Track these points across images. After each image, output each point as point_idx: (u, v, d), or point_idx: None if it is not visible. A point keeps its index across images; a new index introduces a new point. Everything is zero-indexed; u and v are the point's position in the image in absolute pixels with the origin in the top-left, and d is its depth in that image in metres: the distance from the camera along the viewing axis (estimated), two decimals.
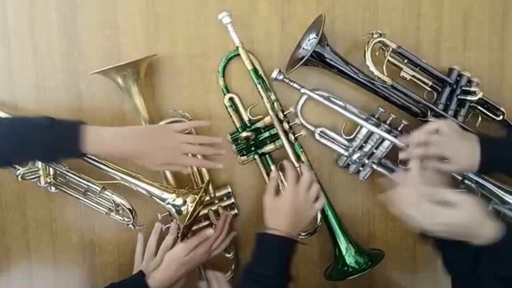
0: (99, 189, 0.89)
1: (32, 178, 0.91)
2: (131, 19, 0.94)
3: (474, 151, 0.81)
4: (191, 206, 0.82)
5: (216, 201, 0.95)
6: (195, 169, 0.93)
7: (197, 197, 0.83)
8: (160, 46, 0.94)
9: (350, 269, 0.91)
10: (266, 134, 0.93)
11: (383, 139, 0.91)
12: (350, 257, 0.92)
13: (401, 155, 0.86)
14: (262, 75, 0.92)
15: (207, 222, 0.94)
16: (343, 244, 0.92)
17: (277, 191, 0.89)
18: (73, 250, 1.00)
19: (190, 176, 0.94)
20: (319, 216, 0.93)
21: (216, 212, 0.94)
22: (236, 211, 0.96)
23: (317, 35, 0.84)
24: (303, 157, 0.93)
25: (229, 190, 0.96)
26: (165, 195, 0.84)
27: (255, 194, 0.97)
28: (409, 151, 0.84)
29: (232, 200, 0.96)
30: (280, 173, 0.91)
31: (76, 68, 0.95)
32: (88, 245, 1.00)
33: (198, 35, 0.94)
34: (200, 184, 0.94)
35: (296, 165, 0.90)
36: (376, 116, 0.91)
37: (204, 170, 0.93)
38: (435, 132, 0.83)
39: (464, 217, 0.73)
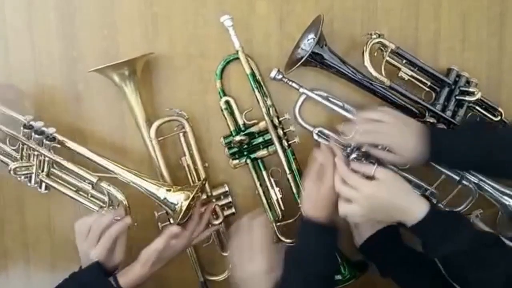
0: (95, 180, 0.85)
1: (24, 174, 0.88)
2: (130, 19, 0.94)
3: (417, 142, 0.78)
4: (185, 204, 0.82)
5: (213, 200, 0.94)
6: (192, 168, 0.93)
7: (191, 194, 0.82)
8: (159, 46, 0.94)
9: (335, 280, 0.90)
10: (260, 139, 0.93)
11: None
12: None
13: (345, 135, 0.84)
14: (260, 79, 0.92)
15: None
16: None
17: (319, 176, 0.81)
18: (71, 250, 0.99)
19: (187, 175, 0.94)
20: None
21: (214, 212, 0.93)
22: (233, 210, 0.96)
23: (315, 35, 0.84)
24: (294, 165, 0.92)
25: (226, 189, 0.95)
26: (160, 191, 0.83)
27: (252, 194, 0.97)
28: (348, 138, 0.83)
29: (229, 199, 0.96)
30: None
31: (74, 68, 0.95)
32: None
33: (196, 35, 0.94)
34: (196, 182, 0.94)
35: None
36: None
37: (200, 169, 0.93)
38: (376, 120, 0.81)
39: (387, 190, 0.74)
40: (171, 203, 0.83)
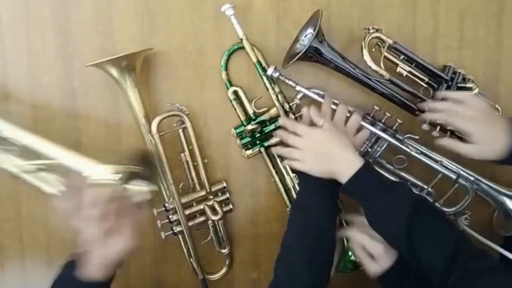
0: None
1: None
2: (126, 15, 0.94)
3: (501, 137, 0.74)
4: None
5: (211, 197, 0.94)
6: (191, 164, 0.93)
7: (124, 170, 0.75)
8: (155, 42, 0.94)
9: (358, 260, 0.89)
10: (272, 126, 0.92)
11: (378, 138, 0.90)
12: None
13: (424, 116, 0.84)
14: (266, 67, 0.91)
15: (203, 218, 0.93)
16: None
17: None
18: (67, 248, 0.99)
19: (186, 171, 0.94)
20: None
21: (212, 208, 0.93)
22: (231, 206, 0.96)
23: (314, 30, 0.84)
24: None
25: (224, 185, 0.95)
26: (87, 167, 0.76)
27: (250, 192, 0.97)
28: (426, 114, 0.83)
29: (227, 195, 0.95)
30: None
31: (70, 64, 0.95)
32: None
33: (193, 31, 0.94)
34: (195, 181, 0.94)
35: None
36: (371, 115, 0.91)
37: (200, 167, 0.93)
38: (460, 103, 0.79)
39: (326, 135, 0.79)
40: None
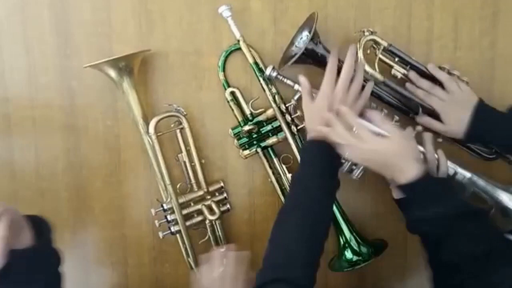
0: None
1: None
2: (124, 16, 0.94)
3: (464, 118, 0.86)
4: None
5: (209, 197, 0.95)
6: (188, 167, 0.94)
7: None
8: (153, 43, 0.94)
9: (354, 259, 0.91)
10: (269, 127, 0.93)
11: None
12: (353, 247, 0.92)
13: (413, 76, 0.89)
14: (263, 68, 0.92)
15: (200, 218, 0.94)
16: (346, 234, 0.93)
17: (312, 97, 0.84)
18: (65, 247, 0.99)
19: (183, 172, 0.94)
20: None
21: (209, 207, 0.94)
22: (228, 206, 0.96)
23: (309, 32, 0.85)
24: None
25: (222, 184, 0.96)
26: None
27: (247, 192, 0.98)
28: (413, 87, 0.89)
29: (225, 195, 0.96)
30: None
31: (68, 65, 0.95)
32: (80, 243, 0.99)
33: (191, 32, 0.94)
34: (193, 181, 0.94)
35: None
36: None
37: (198, 168, 0.93)
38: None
39: (392, 147, 0.77)
40: None
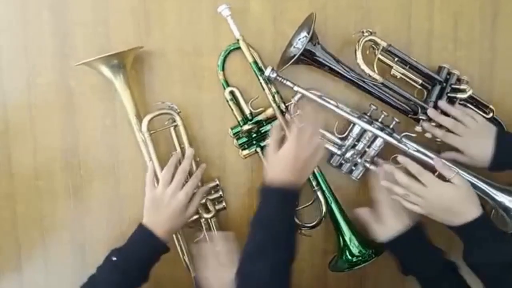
0: None
1: None
2: (123, 16, 0.94)
3: (487, 148, 0.86)
4: None
5: (204, 195, 0.94)
6: None
7: None
8: (152, 42, 0.94)
9: (354, 260, 0.91)
10: (268, 126, 0.93)
11: (376, 137, 0.91)
12: (354, 248, 0.92)
13: (432, 113, 0.89)
14: (263, 67, 0.92)
15: (196, 216, 0.93)
16: (346, 235, 0.93)
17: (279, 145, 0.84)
18: (64, 247, 0.99)
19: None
20: (323, 208, 0.93)
21: (204, 205, 0.93)
22: (224, 204, 0.96)
23: (308, 33, 0.84)
24: None
25: (217, 182, 0.95)
26: None
27: (245, 191, 0.97)
28: (431, 126, 0.89)
29: (220, 193, 0.95)
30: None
31: (66, 65, 0.95)
32: (79, 242, 0.99)
33: (190, 32, 0.94)
34: (188, 179, 0.93)
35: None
36: (368, 114, 0.91)
37: (193, 166, 0.92)
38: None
39: (457, 191, 0.81)
40: None
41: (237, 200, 0.98)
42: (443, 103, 0.89)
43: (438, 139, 0.90)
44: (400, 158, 0.87)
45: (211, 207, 0.93)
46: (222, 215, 0.97)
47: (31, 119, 0.96)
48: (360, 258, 0.91)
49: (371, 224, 0.90)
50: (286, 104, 0.92)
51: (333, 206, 0.94)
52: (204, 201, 0.93)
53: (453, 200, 0.81)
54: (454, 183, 0.82)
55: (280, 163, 0.81)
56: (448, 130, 0.89)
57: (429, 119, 0.90)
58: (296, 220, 0.89)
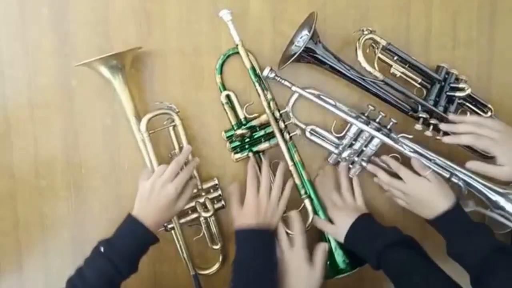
0: None
1: None
2: (123, 15, 0.94)
3: None
4: None
5: (203, 194, 0.94)
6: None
7: None
8: (152, 43, 0.94)
9: (339, 268, 0.92)
10: (261, 132, 0.94)
11: (373, 137, 0.92)
12: (339, 256, 0.93)
13: (445, 127, 0.86)
14: (260, 73, 0.92)
15: (195, 215, 0.94)
16: (332, 243, 0.93)
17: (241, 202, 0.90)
18: (64, 246, 0.99)
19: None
20: (310, 216, 0.93)
21: (203, 204, 0.93)
22: (223, 203, 0.96)
23: (309, 31, 0.85)
24: (296, 157, 0.94)
25: (216, 182, 0.95)
26: None
27: (245, 191, 0.97)
28: (456, 126, 0.84)
29: (219, 192, 0.95)
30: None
31: (67, 65, 0.95)
32: (79, 241, 0.99)
33: (190, 32, 0.94)
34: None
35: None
36: (366, 114, 0.92)
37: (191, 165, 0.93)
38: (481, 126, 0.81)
39: (429, 185, 0.85)
40: None
41: None
42: (453, 117, 0.86)
43: (438, 137, 0.88)
44: (383, 157, 0.92)
45: (210, 206, 0.93)
46: (222, 212, 0.98)
47: (32, 119, 0.96)
48: (345, 267, 0.92)
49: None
50: (281, 112, 0.92)
51: (320, 214, 0.94)
52: (203, 200, 0.94)
53: (427, 193, 0.85)
54: (427, 178, 0.85)
55: (245, 216, 0.87)
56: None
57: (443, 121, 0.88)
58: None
